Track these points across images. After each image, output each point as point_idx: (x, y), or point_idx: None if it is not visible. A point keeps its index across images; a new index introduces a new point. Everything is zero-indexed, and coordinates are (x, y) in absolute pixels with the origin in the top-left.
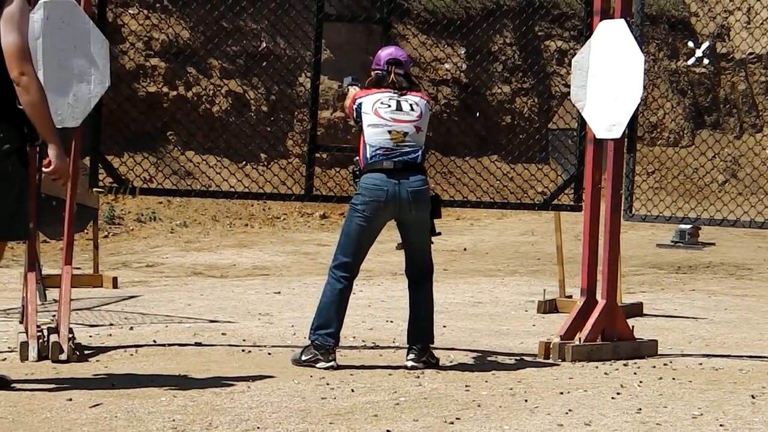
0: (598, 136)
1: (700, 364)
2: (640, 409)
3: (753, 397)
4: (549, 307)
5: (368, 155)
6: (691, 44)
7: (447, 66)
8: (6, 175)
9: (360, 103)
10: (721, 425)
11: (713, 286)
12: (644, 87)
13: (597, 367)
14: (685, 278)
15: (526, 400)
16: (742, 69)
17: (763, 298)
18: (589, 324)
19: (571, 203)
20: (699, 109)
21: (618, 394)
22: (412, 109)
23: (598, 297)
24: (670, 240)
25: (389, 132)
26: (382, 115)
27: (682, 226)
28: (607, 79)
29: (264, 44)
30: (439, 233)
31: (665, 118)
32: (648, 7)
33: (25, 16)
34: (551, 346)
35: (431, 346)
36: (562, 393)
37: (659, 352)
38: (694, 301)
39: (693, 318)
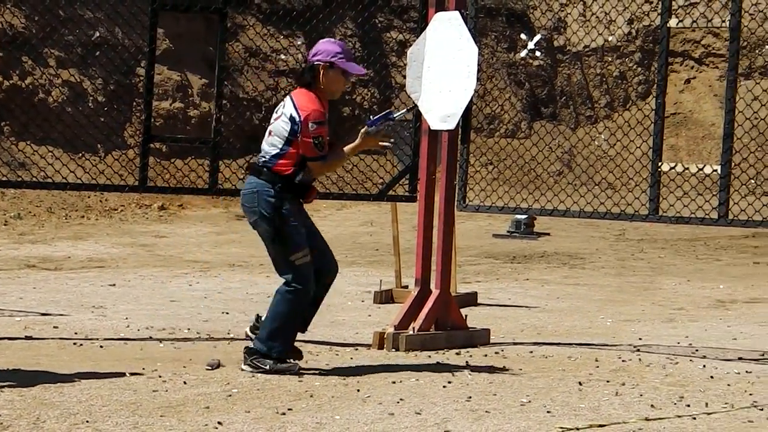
0: (432, 128)
1: (531, 352)
2: (470, 397)
3: (580, 383)
4: (385, 297)
5: None
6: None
7: (286, 57)
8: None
9: None
10: (548, 412)
11: (547, 276)
12: (480, 79)
13: (430, 357)
14: (520, 268)
15: (358, 390)
16: (578, 62)
17: (595, 287)
18: (422, 314)
19: (407, 194)
20: (536, 100)
21: (449, 382)
22: (277, 111)
23: (433, 287)
24: (506, 230)
25: None
26: None
27: (518, 217)
28: (442, 70)
29: (100, 33)
30: (285, 246)
31: (502, 109)
32: None
33: None
34: (385, 336)
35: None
36: (394, 382)
37: (492, 341)
38: (528, 290)
39: (526, 307)
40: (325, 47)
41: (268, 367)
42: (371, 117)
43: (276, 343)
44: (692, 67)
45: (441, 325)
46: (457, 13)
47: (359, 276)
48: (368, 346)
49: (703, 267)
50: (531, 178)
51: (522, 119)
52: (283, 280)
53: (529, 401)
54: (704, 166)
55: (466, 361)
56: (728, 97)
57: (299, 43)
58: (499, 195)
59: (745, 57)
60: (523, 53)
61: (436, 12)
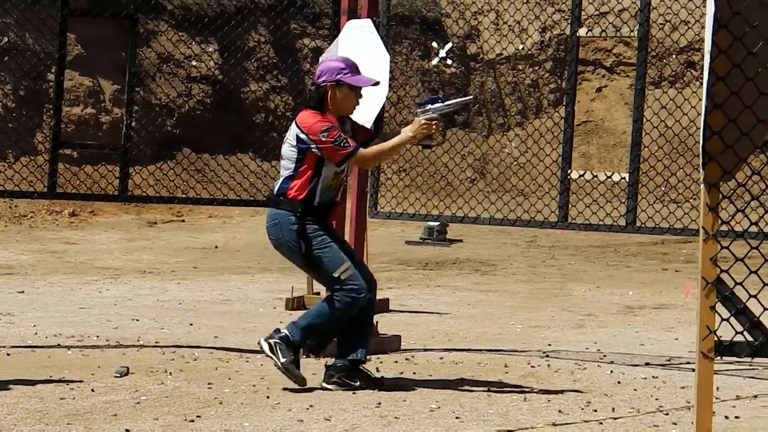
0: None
1: (441, 358)
2: (380, 403)
3: (489, 389)
4: (297, 303)
5: None
6: (435, 44)
7: (199, 63)
8: None
9: None
10: (457, 417)
11: (458, 282)
12: (393, 86)
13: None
14: (432, 274)
15: (268, 397)
16: (491, 70)
17: (506, 294)
18: None
19: None
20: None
21: (375, 390)
22: (288, 137)
23: None
24: (419, 237)
25: None
26: None
27: (430, 224)
28: None
29: (9, 39)
30: (325, 266)
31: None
32: (400, 6)
33: None
34: None
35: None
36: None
37: (403, 347)
38: (439, 296)
39: (437, 313)
40: (329, 66)
41: (357, 384)
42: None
43: (310, 338)
44: (604, 76)
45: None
46: (369, 20)
47: (271, 283)
48: None
49: (612, 273)
50: (444, 185)
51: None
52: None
53: (438, 407)
54: (613, 173)
55: (377, 368)
56: (636, 105)
57: (211, 49)
58: (411, 202)
59: (655, 66)
60: (435, 61)
61: (348, 19)
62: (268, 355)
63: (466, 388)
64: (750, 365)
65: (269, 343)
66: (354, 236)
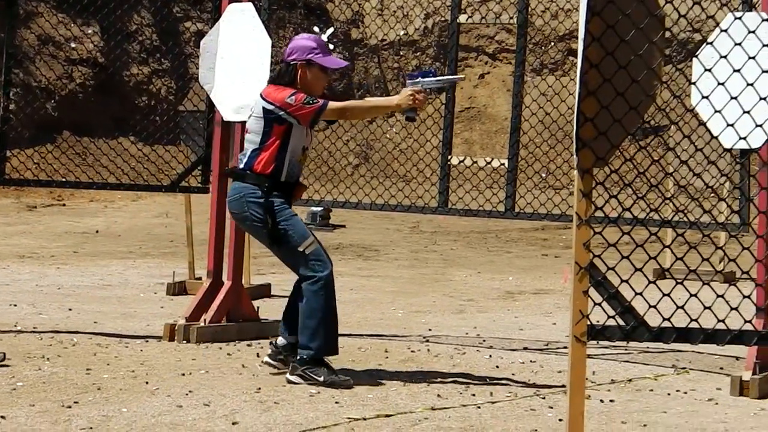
0: (225, 119)
1: None
2: (260, 389)
3: (369, 373)
4: (178, 289)
5: None
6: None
7: (81, 45)
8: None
9: None
10: (336, 402)
11: (341, 268)
12: (273, 70)
13: (221, 348)
14: None
15: (147, 383)
16: (375, 55)
17: (388, 279)
18: (214, 305)
19: (199, 185)
20: (335, 93)
21: (240, 374)
22: (252, 109)
23: (225, 279)
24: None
25: None
26: None
27: (313, 209)
28: (235, 62)
29: None
30: (290, 241)
31: None
32: None
33: None
34: (176, 328)
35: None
36: (183, 374)
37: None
38: None
39: None
40: (300, 44)
41: (322, 379)
42: (414, 73)
43: (320, 342)
44: (486, 63)
45: (233, 317)
46: (250, 4)
47: (153, 268)
48: (159, 338)
49: (493, 259)
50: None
51: None
52: (301, 279)
53: (318, 392)
54: (492, 159)
55: (257, 353)
56: (516, 92)
57: (91, 31)
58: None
59: (535, 53)
60: None
61: (229, 3)
62: (308, 384)
63: (346, 373)
64: (625, 350)
65: (300, 375)
66: (235, 222)
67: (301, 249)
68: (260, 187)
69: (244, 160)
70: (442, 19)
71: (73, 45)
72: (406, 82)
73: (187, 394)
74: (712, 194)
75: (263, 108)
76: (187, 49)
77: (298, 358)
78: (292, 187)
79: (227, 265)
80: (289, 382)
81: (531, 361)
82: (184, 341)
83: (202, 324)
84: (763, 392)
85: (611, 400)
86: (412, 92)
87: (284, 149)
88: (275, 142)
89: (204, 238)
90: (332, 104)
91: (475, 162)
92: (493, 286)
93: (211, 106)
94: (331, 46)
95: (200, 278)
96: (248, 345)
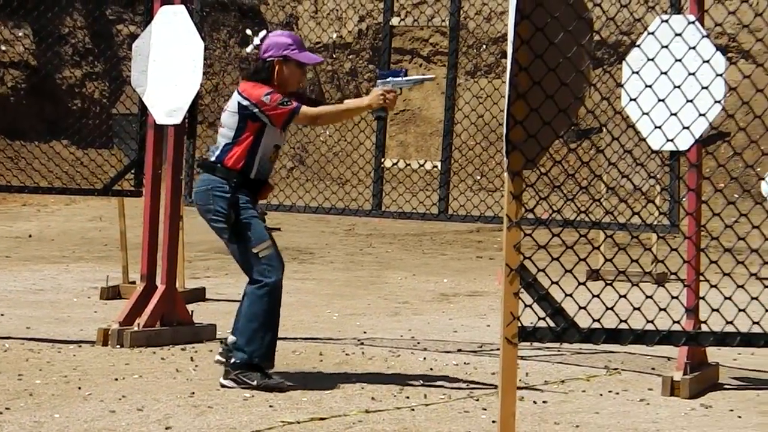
0: (158, 122)
1: None
2: (194, 393)
3: (304, 376)
4: (112, 293)
5: None
6: (249, 32)
7: (12, 48)
8: None
9: None
10: (270, 406)
11: None
12: (212, 74)
13: (155, 353)
14: None
15: (79, 388)
16: None
17: (323, 282)
18: (148, 310)
19: (132, 189)
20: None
21: (173, 378)
22: (229, 105)
23: (159, 283)
24: None
25: None
26: None
27: None
28: (168, 64)
29: None
30: (244, 240)
31: None
32: None
33: None
34: (110, 332)
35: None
36: (117, 379)
37: (219, 336)
38: None
39: None
40: (275, 40)
41: (255, 383)
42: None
43: (255, 347)
44: (421, 65)
45: (167, 321)
46: (182, 6)
47: (86, 272)
48: (92, 342)
49: (428, 261)
50: None
51: None
52: (250, 281)
53: (252, 396)
54: (425, 162)
55: (191, 357)
56: (448, 95)
57: (22, 34)
58: None
59: (469, 56)
60: (248, 49)
61: (162, 5)
62: (241, 387)
63: (280, 376)
64: (558, 351)
65: (233, 379)
66: (168, 224)
67: (255, 251)
68: (228, 182)
69: (216, 153)
70: (376, 21)
71: (3, 48)
72: (377, 82)
73: (120, 399)
74: (643, 196)
75: (238, 103)
76: (121, 51)
77: (233, 361)
78: (260, 185)
79: (161, 268)
80: (222, 386)
81: (465, 363)
82: (118, 346)
83: (136, 328)
84: (694, 392)
85: (544, 401)
86: (383, 92)
87: (256, 146)
88: (248, 138)
89: (138, 241)
90: (305, 109)
91: (409, 164)
92: (428, 289)
93: (143, 109)
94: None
95: (134, 282)
96: (182, 349)
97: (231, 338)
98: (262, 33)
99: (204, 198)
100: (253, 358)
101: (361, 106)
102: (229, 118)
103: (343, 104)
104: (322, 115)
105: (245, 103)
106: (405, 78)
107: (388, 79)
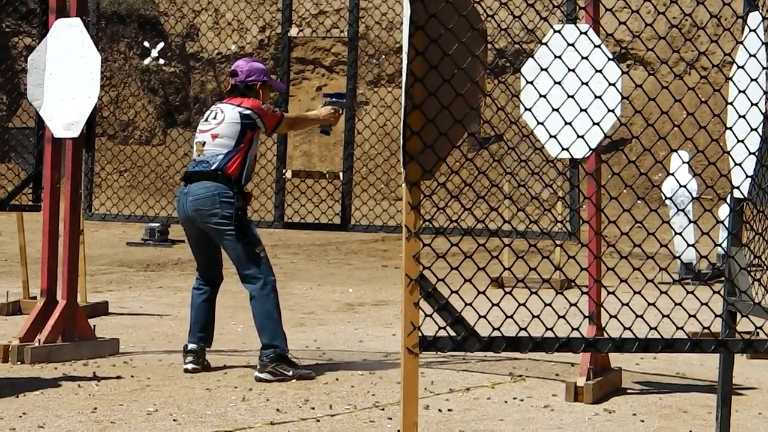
0: (56, 135)
1: (160, 360)
2: (96, 408)
3: (209, 389)
4: (12, 308)
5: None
6: (146, 44)
7: None
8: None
9: None
10: (174, 420)
11: (180, 283)
12: (112, 86)
13: (56, 368)
14: (154, 276)
15: None
16: (211, 68)
17: (227, 294)
18: (48, 325)
19: (31, 203)
20: (170, 107)
21: (76, 394)
22: (215, 118)
23: (59, 297)
24: (141, 238)
25: (196, 143)
26: (197, 128)
27: (152, 225)
28: (64, 78)
29: None
30: (249, 241)
31: (137, 116)
32: (117, 5)
33: None
34: (10, 348)
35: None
36: (17, 396)
37: (121, 350)
38: (160, 298)
39: (158, 315)
40: (256, 67)
41: (290, 374)
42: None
43: (281, 340)
44: (324, 75)
45: (68, 336)
46: (78, 19)
47: None
48: None
49: (334, 271)
50: (167, 185)
51: (157, 126)
52: (247, 281)
53: (156, 410)
54: (327, 172)
55: (94, 372)
56: (348, 105)
57: None
58: (138, 203)
59: (370, 65)
60: (147, 61)
61: (57, 18)
62: (277, 380)
63: (185, 389)
64: (464, 359)
65: (270, 372)
66: (68, 238)
67: (257, 251)
68: (231, 188)
69: (215, 163)
70: (277, 32)
71: None
72: (325, 101)
73: (21, 416)
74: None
75: (240, 113)
76: (18, 64)
77: (267, 357)
78: (245, 192)
79: (62, 283)
80: (260, 380)
81: (370, 373)
82: (19, 362)
83: (37, 344)
84: (597, 397)
85: (449, 410)
86: (334, 110)
87: (247, 155)
88: (244, 147)
89: (38, 256)
90: (287, 115)
91: (310, 175)
92: (334, 299)
93: (41, 122)
94: (162, 61)
95: (35, 297)
96: (84, 364)
97: (191, 345)
98: (160, 45)
99: (210, 202)
100: (285, 350)
101: (317, 118)
102: (228, 128)
103: (309, 113)
104: (298, 121)
105: (247, 112)
106: (344, 100)
107: (334, 100)
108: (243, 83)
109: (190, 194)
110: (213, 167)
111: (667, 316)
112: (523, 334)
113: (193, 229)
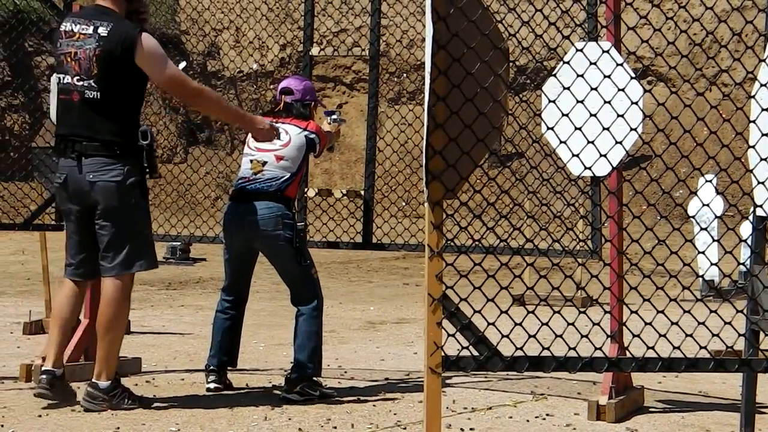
0: None
1: (183, 379)
2: (119, 428)
3: (231, 408)
4: (35, 328)
5: (234, 183)
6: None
7: None
8: (130, 206)
9: None
10: None
11: (201, 302)
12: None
13: (79, 387)
14: (175, 294)
15: (2, 425)
16: (233, 87)
17: (249, 312)
18: (71, 344)
19: (53, 222)
20: (191, 125)
21: (98, 413)
22: (279, 138)
23: (82, 317)
24: (162, 256)
25: (251, 161)
26: (249, 145)
27: (173, 243)
28: None
29: None
30: (308, 263)
31: (159, 135)
32: None
33: (160, 47)
34: (33, 368)
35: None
36: (41, 416)
37: (144, 370)
38: (182, 316)
39: (180, 334)
40: (309, 86)
41: (317, 394)
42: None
43: (315, 363)
44: (344, 93)
45: (91, 355)
46: None
47: (8, 306)
48: (15, 378)
49: (355, 289)
50: (189, 204)
51: (178, 144)
52: (299, 302)
53: (179, 429)
54: (348, 190)
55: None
56: (370, 123)
57: None
58: (160, 222)
59: (389, 83)
60: None
61: None
62: (305, 399)
63: (207, 409)
64: (485, 377)
65: (298, 392)
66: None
67: (312, 272)
68: (290, 209)
69: (275, 184)
70: (298, 50)
71: None
72: (329, 120)
73: None
74: (568, 221)
75: (306, 137)
76: (41, 83)
77: (297, 376)
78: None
79: (85, 302)
80: (287, 400)
81: (392, 392)
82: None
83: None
84: (620, 416)
85: (471, 429)
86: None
87: (303, 176)
88: (302, 170)
89: (60, 275)
90: (324, 132)
91: (332, 193)
92: (355, 317)
93: None
94: None
95: None
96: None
97: (215, 361)
98: (182, 64)
99: (273, 223)
100: (316, 373)
101: (334, 134)
102: (294, 151)
103: (329, 131)
104: (328, 137)
105: (312, 136)
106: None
107: (335, 117)
108: (300, 102)
109: (250, 213)
110: (273, 188)
111: (690, 335)
112: (546, 353)
113: (245, 247)
